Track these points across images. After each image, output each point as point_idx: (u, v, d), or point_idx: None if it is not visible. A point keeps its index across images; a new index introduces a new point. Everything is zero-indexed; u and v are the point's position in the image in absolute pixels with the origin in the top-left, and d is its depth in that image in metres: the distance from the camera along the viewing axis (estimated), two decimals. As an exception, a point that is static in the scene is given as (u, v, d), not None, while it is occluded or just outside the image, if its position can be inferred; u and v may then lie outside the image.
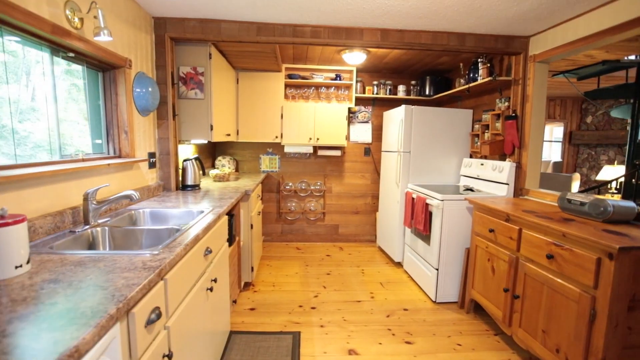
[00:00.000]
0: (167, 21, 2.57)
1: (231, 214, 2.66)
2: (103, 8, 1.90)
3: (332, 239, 4.64)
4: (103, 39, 1.70)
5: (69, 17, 1.63)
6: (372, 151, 4.54)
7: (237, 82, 3.95)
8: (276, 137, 4.08)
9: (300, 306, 2.80)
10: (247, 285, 3.15)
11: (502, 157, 3.08)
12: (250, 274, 3.05)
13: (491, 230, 2.37)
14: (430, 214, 2.96)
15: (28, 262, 1.07)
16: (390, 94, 4.21)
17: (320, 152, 4.34)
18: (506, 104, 3.00)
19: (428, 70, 4.10)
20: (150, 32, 2.52)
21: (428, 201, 2.94)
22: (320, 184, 4.53)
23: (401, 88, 4.18)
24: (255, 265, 3.13)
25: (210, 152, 4.18)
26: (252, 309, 2.72)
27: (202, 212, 1.96)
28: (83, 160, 1.84)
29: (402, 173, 3.54)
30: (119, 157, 2.21)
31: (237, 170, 4.42)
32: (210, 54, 2.79)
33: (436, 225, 2.85)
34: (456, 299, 2.89)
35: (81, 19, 1.70)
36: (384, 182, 4.14)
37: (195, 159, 2.87)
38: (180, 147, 3.06)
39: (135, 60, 2.29)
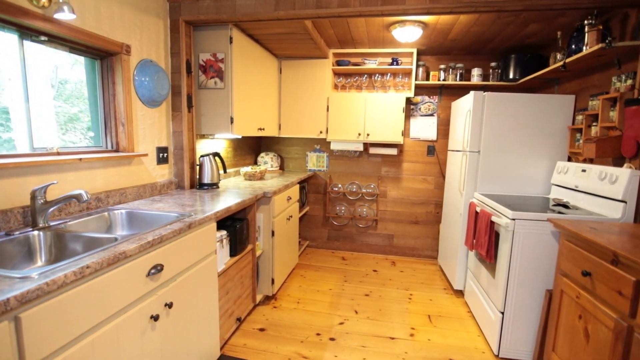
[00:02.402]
0: (182, 3, 2.34)
1: (241, 219, 2.32)
2: (86, -15, 1.71)
3: (385, 250, 4.02)
4: (65, 17, 1.49)
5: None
6: (437, 150, 3.78)
7: (280, 72, 3.63)
8: (320, 132, 3.64)
9: (318, 334, 2.33)
10: (268, 298, 2.80)
11: (618, 162, 2.12)
12: (271, 286, 2.68)
13: (586, 274, 1.55)
14: (497, 235, 2.19)
15: None
16: (461, 80, 3.41)
17: (373, 150, 3.76)
18: (628, 82, 2.04)
19: (512, 47, 3.18)
20: (163, 17, 2.32)
21: (494, 218, 2.17)
22: (374, 187, 3.95)
23: (476, 72, 3.34)
24: (277, 277, 2.76)
25: (254, 148, 3.95)
26: (261, 330, 2.35)
27: (179, 216, 1.65)
28: (58, 153, 1.68)
29: (467, 178, 2.77)
30: (116, 151, 2.04)
31: (281, 168, 4.12)
32: (231, 38, 2.49)
33: (503, 251, 2.08)
34: (529, 358, 2.08)
35: (45, -6, 1.51)
36: (449, 188, 3.37)
37: (214, 154, 2.61)
38: (206, 142, 2.85)
39: (139, 46, 2.10)
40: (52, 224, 1.45)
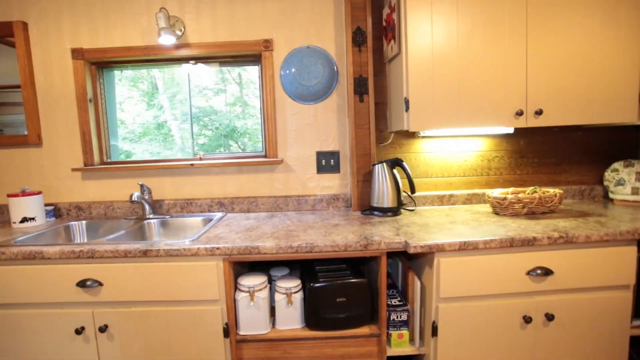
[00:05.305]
0: (347, -49, 1.67)
1: (361, 273, 1.42)
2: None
3: None
4: (165, 41, 1.65)
5: (166, 28, 1.77)
6: None
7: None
8: None
9: None
10: None
11: None
12: None
13: None
14: None
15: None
16: None
17: None
18: None
19: None
20: (333, -14, 1.79)
21: None
22: None
23: None
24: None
25: (601, 152, 1.94)
26: None
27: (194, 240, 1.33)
28: (200, 159, 1.92)
29: None
30: (264, 156, 1.94)
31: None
32: (403, -38, 1.43)
33: None
34: None
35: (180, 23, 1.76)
36: None
37: (392, 162, 1.68)
38: (427, 143, 1.87)
39: (287, 36, 1.81)
40: (154, 216, 1.77)
